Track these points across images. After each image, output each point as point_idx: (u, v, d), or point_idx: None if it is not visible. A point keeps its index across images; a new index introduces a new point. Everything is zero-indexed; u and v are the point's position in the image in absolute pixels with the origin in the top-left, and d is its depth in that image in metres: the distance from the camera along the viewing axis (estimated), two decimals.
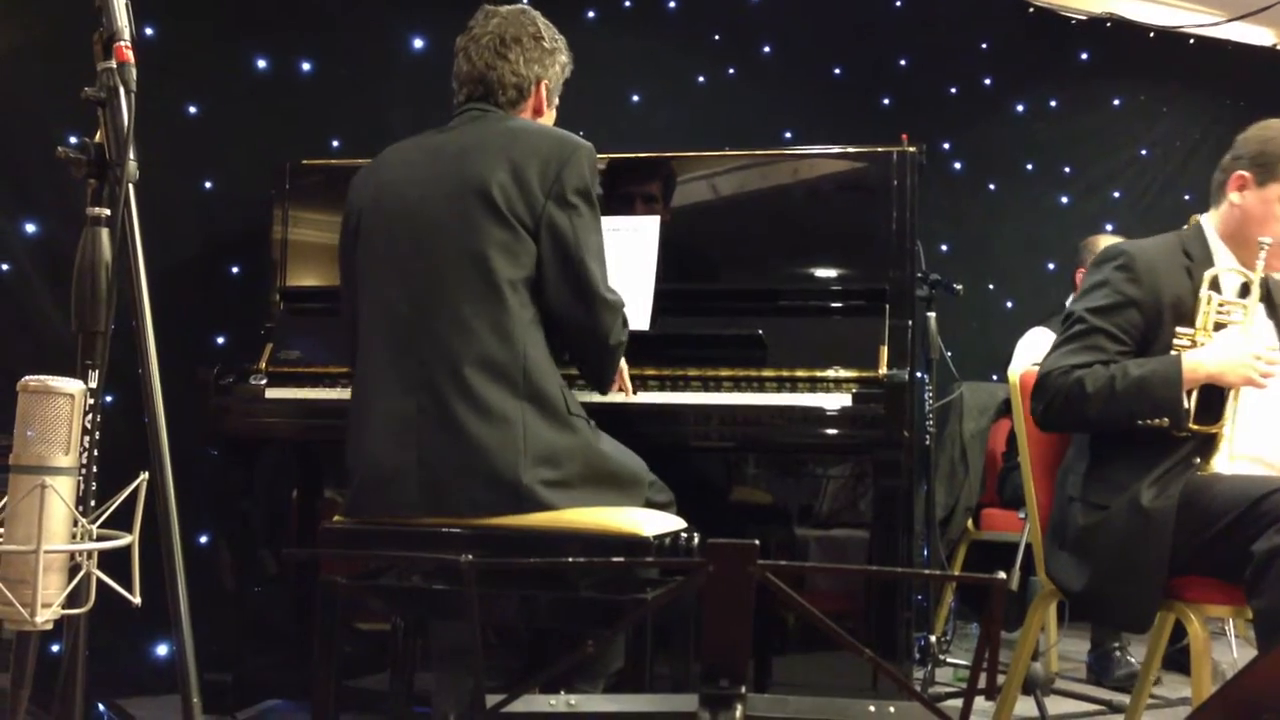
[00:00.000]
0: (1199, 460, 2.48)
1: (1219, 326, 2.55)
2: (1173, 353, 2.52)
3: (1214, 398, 2.51)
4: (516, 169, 2.33)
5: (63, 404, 1.48)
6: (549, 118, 2.61)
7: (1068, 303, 3.71)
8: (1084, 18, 5.67)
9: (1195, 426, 2.48)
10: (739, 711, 1.28)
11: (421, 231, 2.37)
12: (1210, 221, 2.71)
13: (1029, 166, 5.60)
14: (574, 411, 2.34)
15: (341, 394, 2.96)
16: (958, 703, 1.24)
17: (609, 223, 2.58)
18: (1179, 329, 2.55)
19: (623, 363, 2.63)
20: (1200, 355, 2.48)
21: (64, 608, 1.47)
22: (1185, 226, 2.74)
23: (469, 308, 2.30)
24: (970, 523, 4.53)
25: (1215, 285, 2.59)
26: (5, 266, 3.27)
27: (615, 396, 2.68)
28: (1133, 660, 3.86)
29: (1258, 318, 2.59)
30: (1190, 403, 2.47)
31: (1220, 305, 2.56)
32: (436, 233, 2.35)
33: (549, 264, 2.35)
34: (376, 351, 2.38)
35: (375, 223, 2.45)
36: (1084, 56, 5.69)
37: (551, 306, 2.37)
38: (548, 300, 2.36)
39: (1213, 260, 2.63)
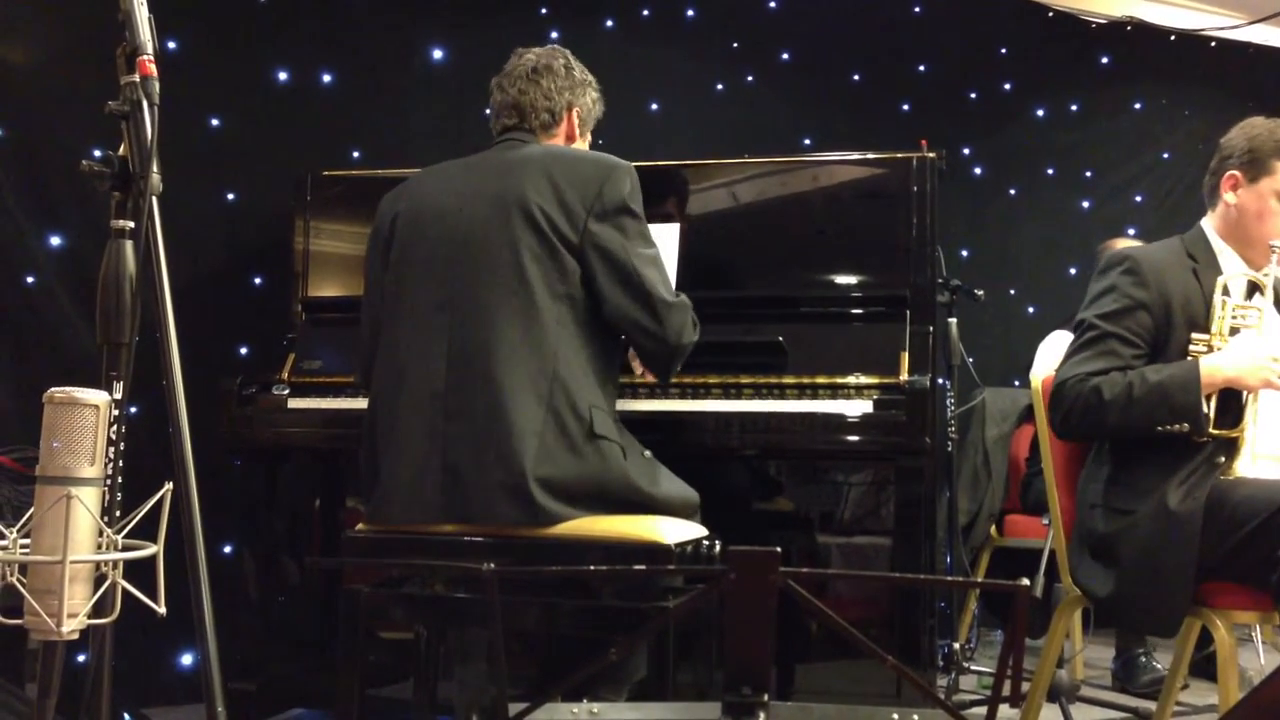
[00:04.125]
0: (1223, 460, 2.47)
1: (1234, 331, 2.55)
2: (1189, 358, 2.51)
3: (1232, 401, 2.50)
4: (557, 188, 2.35)
5: (88, 415, 1.48)
6: (582, 146, 2.64)
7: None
8: (1104, 21, 5.65)
9: (1215, 431, 2.47)
10: (762, 719, 1.28)
11: (460, 239, 2.38)
12: (1210, 224, 2.73)
13: (1050, 171, 5.58)
14: (599, 434, 2.30)
15: (363, 404, 2.97)
16: (982, 710, 1.24)
17: None
18: (1194, 335, 2.54)
19: None
20: (1218, 360, 2.47)
21: (90, 618, 1.48)
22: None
23: (503, 316, 2.30)
24: (993, 529, 4.51)
25: (1225, 290, 2.58)
26: (30, 279, 3.29)
27: (641, 404, 2.68)
28: (1159, 667, 3.83)
29: (1270, 318, 2.59)
30: (1209, 407, 2.46)
31: (1235, 310, 2.56)
32: (475, 241, 2.36)
33: (601, 279, 2.35)
34: (404, 358, 2.39)
35: (412, 230, 2.46)
36: (1104, 60, 5.67)
37: (614, 320, 2.37)
38: (609, 315, 2.37)
39: (1217, 262, 2.65)
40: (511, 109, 2.56)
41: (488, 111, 2.63)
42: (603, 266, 2.35)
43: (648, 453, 2.44)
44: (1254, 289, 2.63)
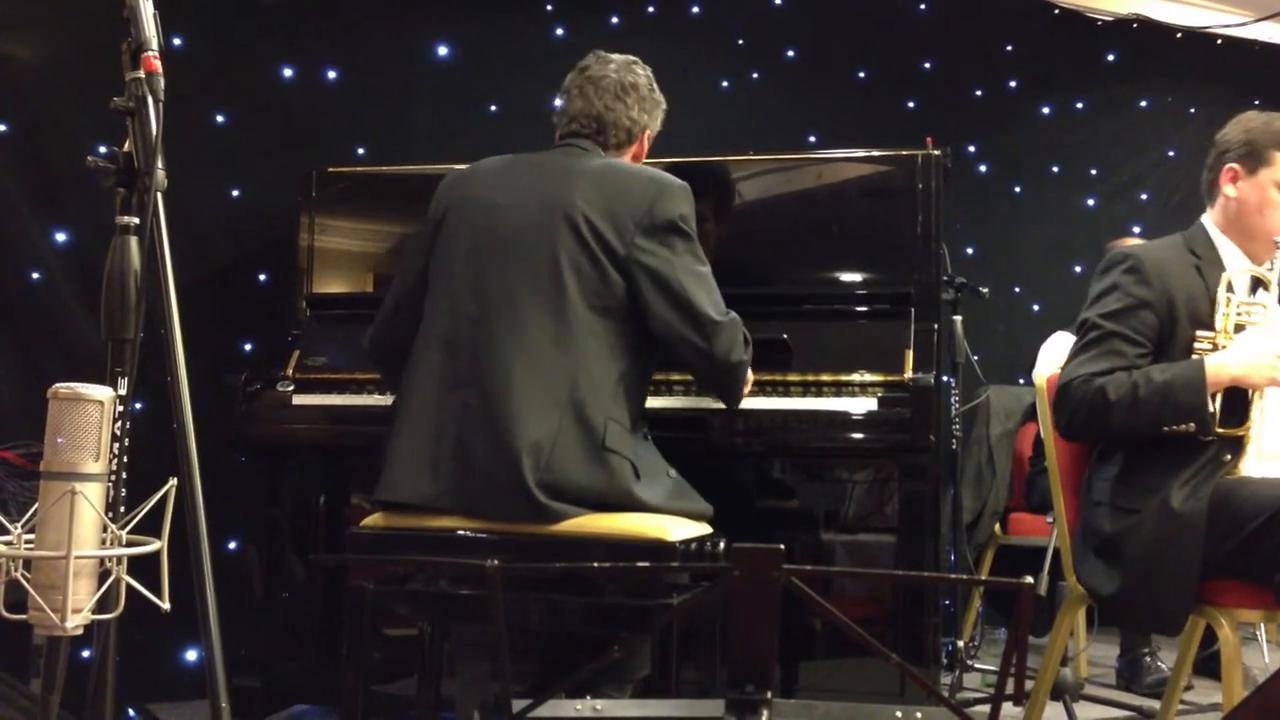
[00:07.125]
0: (1229, 458, 2.46)
1: (1239, 328, 2.54)
2: (1194, 356, 2.50)
3: (1238, 399, 2.49)
4: (609, 201, 2.37)
5: (93, 411, 1.49)
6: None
7: None
8: (1110, 19, 5.64)
9: (1222, 430, 2.46)
10: (765, 717, 1.28)
11: (506, 236, 2.40)
12: (1210, 220, 2.71)
13: (1055, 169, 5.57)
14: (611, 448, 2.30)
15: (368, 400, 2.97)
16: (986, 708, 1.23)
17: None
18: (1199, 332, 2.53)
19: None
20: (1223, 358, 2.46)
21: (94, 613, 1.48)
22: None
23: (534, 318, 2.32)
24: (997, 527, 4.51)
25: (1229, 286, 2.57)
26: (36, 275, 3.30)
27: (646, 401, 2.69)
28: (1163, 665, 3.82)
29: (1275, 314, 2.58)
30: (1215, 406, 2.45)
31: (1240, 307, 2.55)
32: (520, 241, 2.38)
33: (648, 295, 2.36)
34: (435, 344, 2.41)
35: (461, 221, 2.47)
36: (1110, 58, 5.66)
37: (662, 336, 2.38)
38: (656, 331, 2.37)
39: (1219, 257, 2.63)
40: (593, 120, 2.55)
41: (556, 103, 2.62)
42: (649, 283, 2.36)
43: (673, 471, 2.44)
44: (1258, 284, 2.62)
